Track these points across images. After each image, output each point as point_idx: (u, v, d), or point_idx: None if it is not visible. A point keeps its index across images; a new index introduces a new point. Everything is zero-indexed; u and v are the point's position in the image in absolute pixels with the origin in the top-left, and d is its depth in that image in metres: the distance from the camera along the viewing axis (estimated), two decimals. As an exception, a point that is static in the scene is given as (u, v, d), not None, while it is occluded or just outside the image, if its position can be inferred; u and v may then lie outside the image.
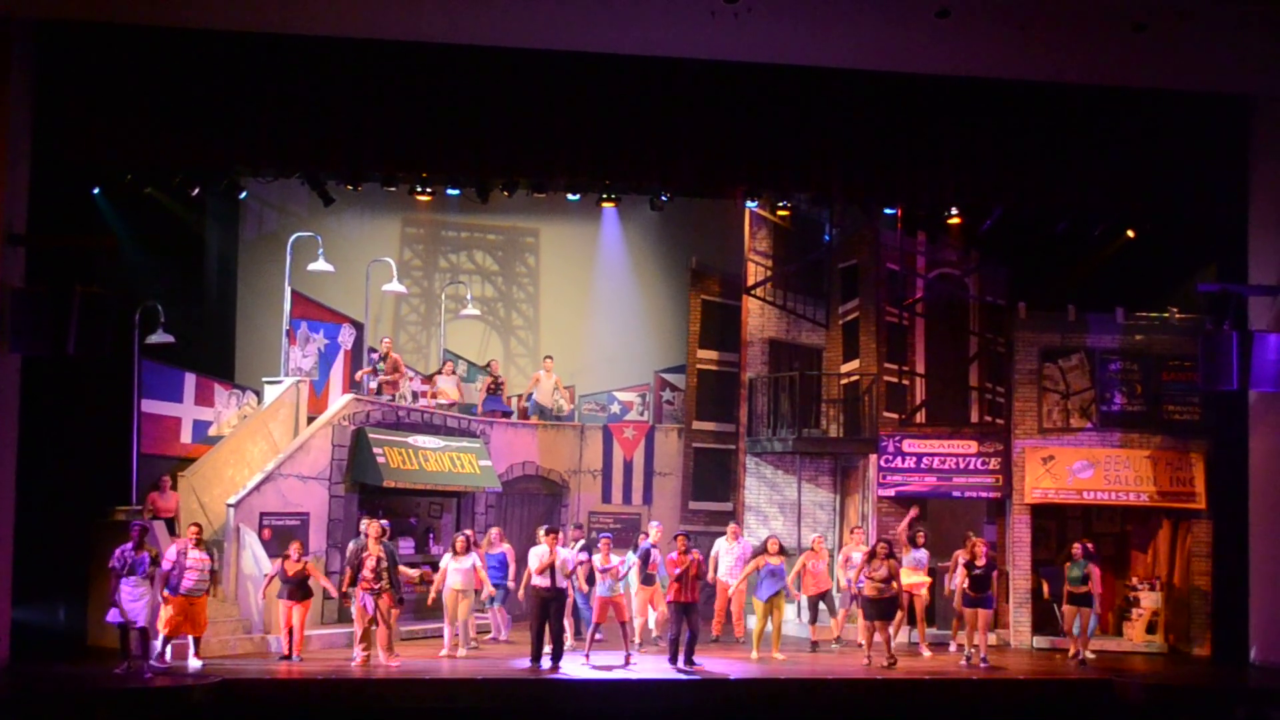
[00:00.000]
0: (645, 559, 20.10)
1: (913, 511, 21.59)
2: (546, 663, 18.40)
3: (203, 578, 17.88)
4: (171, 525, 20.24)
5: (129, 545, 17.40)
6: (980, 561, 19.42)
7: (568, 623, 19.79)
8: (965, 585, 19.54)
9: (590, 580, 19.59)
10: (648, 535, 20.84)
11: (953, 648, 20.75)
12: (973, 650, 19.52)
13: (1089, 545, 20.45)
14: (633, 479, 26.71)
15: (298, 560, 18.71)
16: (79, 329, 17.37)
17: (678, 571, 18.51)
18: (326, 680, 17.42)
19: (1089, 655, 19.93)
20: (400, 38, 18.81)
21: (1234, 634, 20.80)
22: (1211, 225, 21.25)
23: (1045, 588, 21.23)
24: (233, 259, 25.55)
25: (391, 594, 18.45)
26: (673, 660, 18.55)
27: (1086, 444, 22.26)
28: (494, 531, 21.10)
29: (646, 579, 20.20)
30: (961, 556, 19.73)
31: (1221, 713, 17.39)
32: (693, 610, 18.69)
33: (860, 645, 20.46)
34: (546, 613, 18.58)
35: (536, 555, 18.64)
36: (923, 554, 21.03)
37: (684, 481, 26.53)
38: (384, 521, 19.40)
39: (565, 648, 18.81)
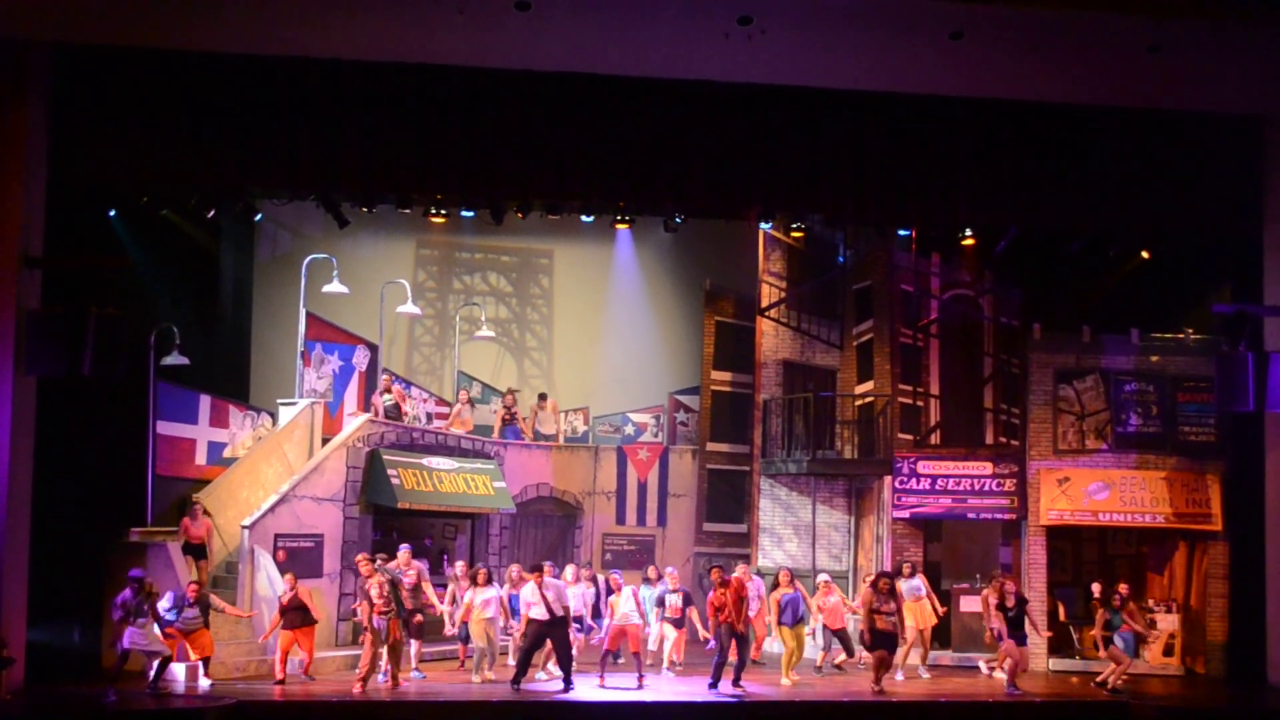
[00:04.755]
0: (661, 604, 20.13)
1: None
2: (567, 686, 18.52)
3: (195, 618, 18.03)
4: (202, 551, 20.23)
5: (128, 593, 17.47)
6: (1010, 602, 19.18)
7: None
8: (1003, 627, 19.28)
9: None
10: (662, 579, 20.73)
11: (986, 671, 20.63)
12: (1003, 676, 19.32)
13: (1125, 590, 20.19)
14: (647, 500, 26.71)
15: (290, 590, 18.72)
16: (94, 351, 17.38)
17: (718, 605, 18.57)
18: (340, 703, 17.42)
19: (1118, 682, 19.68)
20: (414, 60, 18.86)
21: (1251, 656, 20.72)
22: (1226, 246, 21.23)
23: (1061, 610, 21.13)
24: (248, 281, 25.64)
25: (398, 619, 18.45)
26: (714, 684, 18.54)
27: (1102, 465, 22.21)
28: (514, 569, 20.73)
29: (674, 623, 20.24)
30: (992, 598, 19.50)
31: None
32: (742, 636, 18.69)
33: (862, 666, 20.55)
34: (541, 640, 18.68)
35: (526, 594, 18.70)
36: (916, 582, 20.94)
37: (698, 503, 26.51)
38: (404, 550, 19.81)
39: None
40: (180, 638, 17.94)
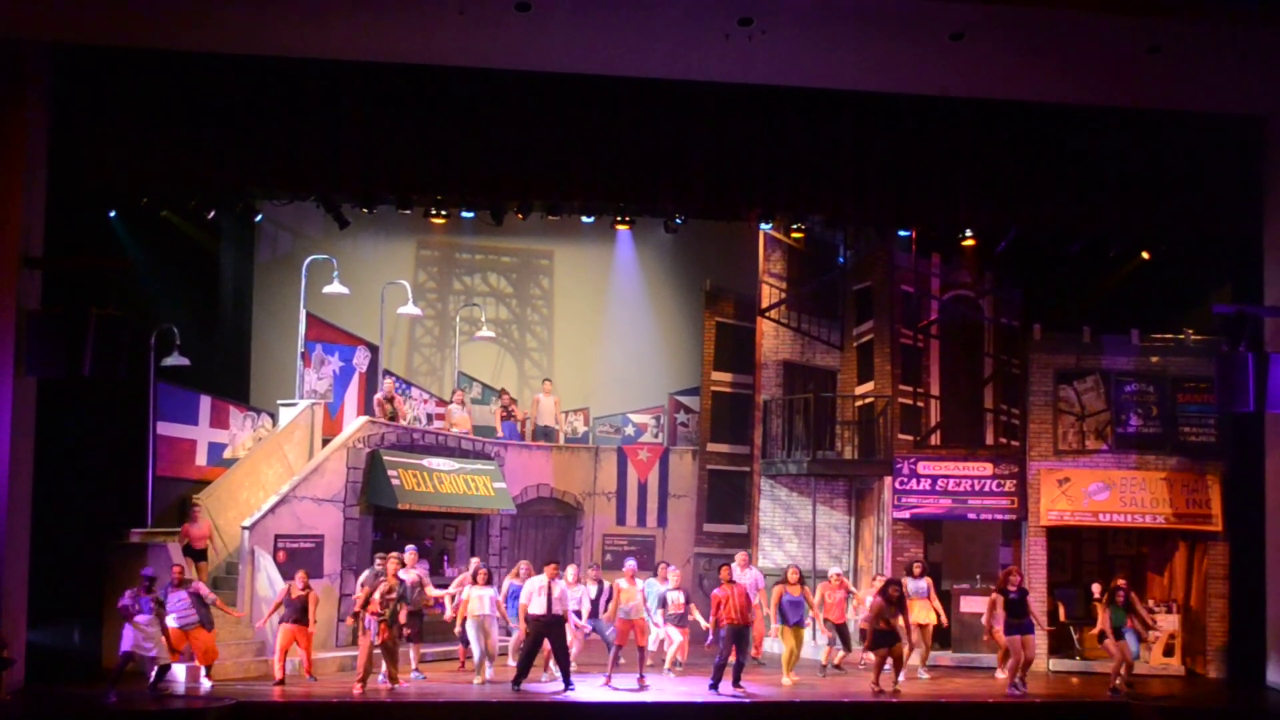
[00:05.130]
0: (663, 604, 20.16)
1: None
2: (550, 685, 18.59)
3: (189, 613, 17.95)
4: (203, 554, 20.24)
5: (138, 589, 17.47)
6: (1011, 588, 19.15)
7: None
8: (1002, 614, 19.24)
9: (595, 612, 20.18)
10: (666, 579, 20.74)
11: (1000, 674, 20.48)
12: (1018, 679, 19.14)
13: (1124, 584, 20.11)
14: (647, 501, 26.70)
15: (303, 588, 18.70)
16: (95, 351, 17.38)
17: (720, 601, 18.57)
18: (340, 703, 17.42)
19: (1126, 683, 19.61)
20: (414, 61, 18.87)
21: (1250, 656, 20.72)
22: (1227, 246, 21.23)
23: (1061, 610, 21.12)
24: (248, 282, 25.62)
25: (390, 628, 18.39)
26: (714, 685, 18.49)
27: (1102, 466, 22.21)
28: (523, 565, 20.72)
29: (677, 620, 20.28)
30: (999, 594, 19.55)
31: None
32: (745, 635, 18.65)
33: (862, 667, 20.49)
34: (540, 640, 18.65)
35: (533, 585, 18.74)
36: (923, 584, 20.87)
37: (698, 504, 26.49)
38: (410, 550, 20.07)
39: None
40: (179, 637, 17.90)
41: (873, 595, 19.74)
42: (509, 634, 20.53)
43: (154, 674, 17.62)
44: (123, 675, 17.45)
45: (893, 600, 19.01)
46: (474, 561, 20.63)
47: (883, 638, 18.93)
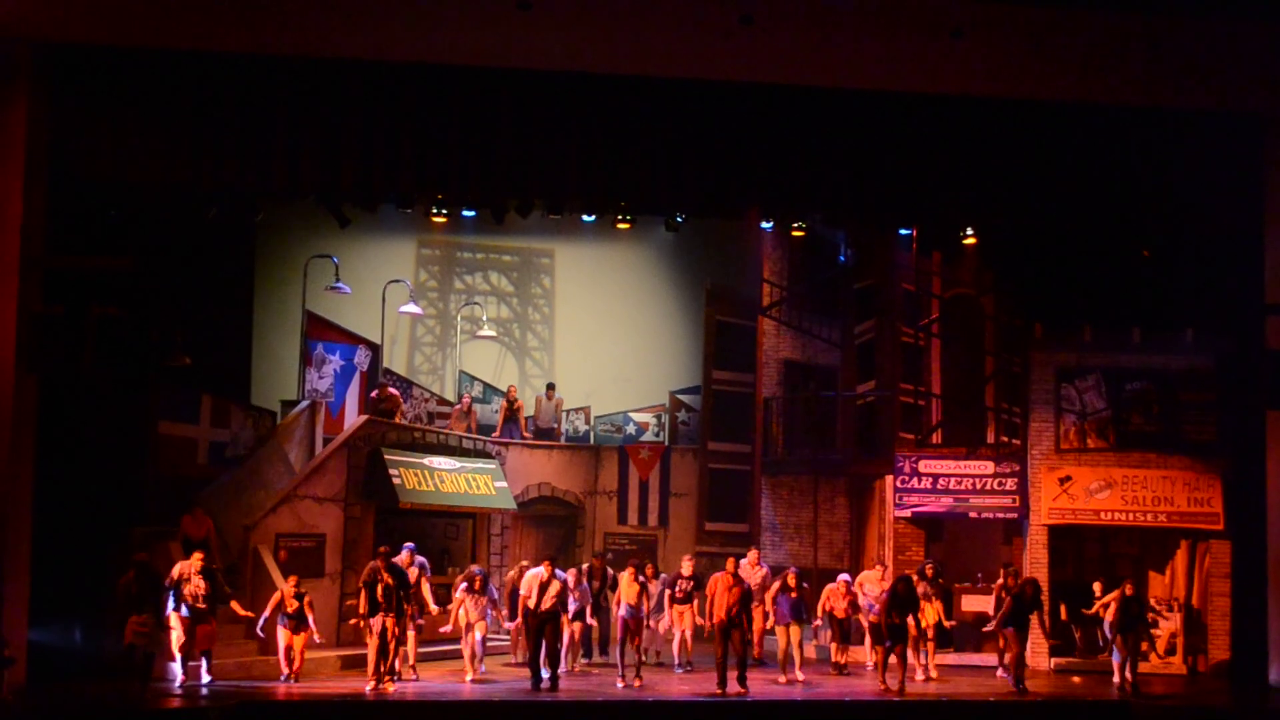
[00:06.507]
0: (672, 585, 20.23)
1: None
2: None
3: (208, 599, 17.96)
4: (204, 548, 20.23)
5: (130, 576, 17.53)
6: (1027, 598, 19.18)
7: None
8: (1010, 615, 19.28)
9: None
10: (681, 572, 20.77)
11: (1000, 673, 20.45)
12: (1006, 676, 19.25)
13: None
14: (648, 500, 26.69)
15: (295, 598, 18.65)
16: (96, 350, 17.40)
17: (711, 593, 18.57)
18: (342, 702, 17.44)
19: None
20: (415, 60, 18.86)
21: (1253, 655, 20.69)
22: (1227, 243, 21.20)
23: (1063, 609, 21.09)
24: (249, 280, 25.59)
25: (397, 617, 18.36)
26: (721, 684, 18.30)
27: (1104, 464, 22.15)
28: (523, 564, 20.70)
29: (683, 599, 20.35)
30: (1004, 591, 19.53)
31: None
32: (743, 632, 18.64)
33: (871, 667, 20.50)
34: (542, 636, 18.62)
35: (530, 579, 18.76)
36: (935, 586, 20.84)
37: (700, 502, 26.49)
38: (406, 548, 20.02)
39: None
40: (188, 624, 17.88)
41: (881, 591, 19.81)
42: (501, 634, 20.57)
43: (179, 664, 17.74)
44: (148, 667, 17.41)
45: (900, 595, 18.99)
46: (471, 568, 20.46)
47: (894, 631, 18.89)
